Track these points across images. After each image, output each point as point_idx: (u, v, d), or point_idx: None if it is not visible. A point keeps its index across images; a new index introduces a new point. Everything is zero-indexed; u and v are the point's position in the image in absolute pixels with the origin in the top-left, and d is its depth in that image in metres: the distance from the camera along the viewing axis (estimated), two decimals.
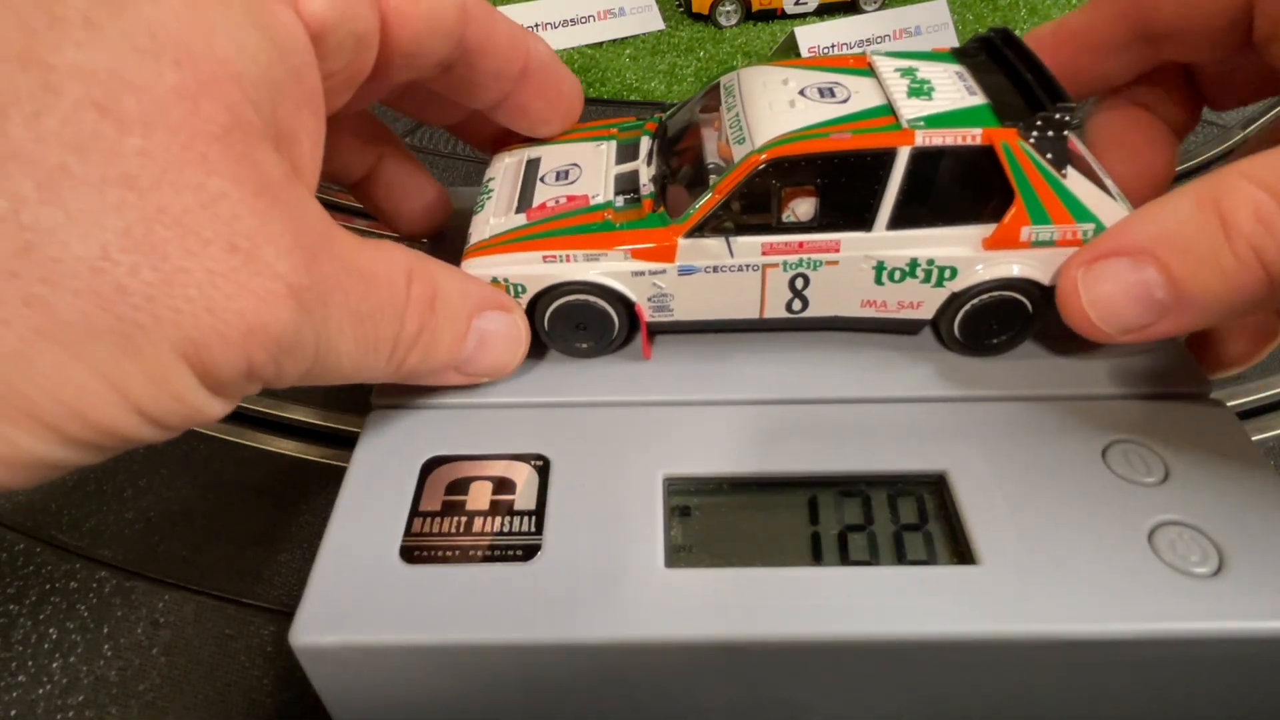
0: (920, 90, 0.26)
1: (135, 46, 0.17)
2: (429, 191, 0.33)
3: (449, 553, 0.23)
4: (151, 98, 0.17)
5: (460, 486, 0.25)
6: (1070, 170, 0.26)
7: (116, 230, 0.16)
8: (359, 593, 0.22)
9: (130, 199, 0.16)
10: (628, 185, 0.29)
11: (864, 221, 0.26)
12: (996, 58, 0.28)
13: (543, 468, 0.25)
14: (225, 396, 0.20)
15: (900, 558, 0.23)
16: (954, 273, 0.27)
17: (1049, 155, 0.25)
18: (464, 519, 0.24)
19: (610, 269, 0.27)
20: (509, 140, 0.32)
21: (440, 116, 0.32)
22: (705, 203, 0.26)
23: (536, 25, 0.74)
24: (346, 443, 0.35)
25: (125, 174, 0.16)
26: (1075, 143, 0.27)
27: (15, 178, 0.15)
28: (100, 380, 0.17)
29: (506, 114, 0.30)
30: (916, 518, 0.24)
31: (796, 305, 0.28)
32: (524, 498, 0.24)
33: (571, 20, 0.75)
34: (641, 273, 0.27)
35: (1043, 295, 0.27)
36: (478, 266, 0.27)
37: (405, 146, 0.33)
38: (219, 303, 0.18)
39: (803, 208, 0.26)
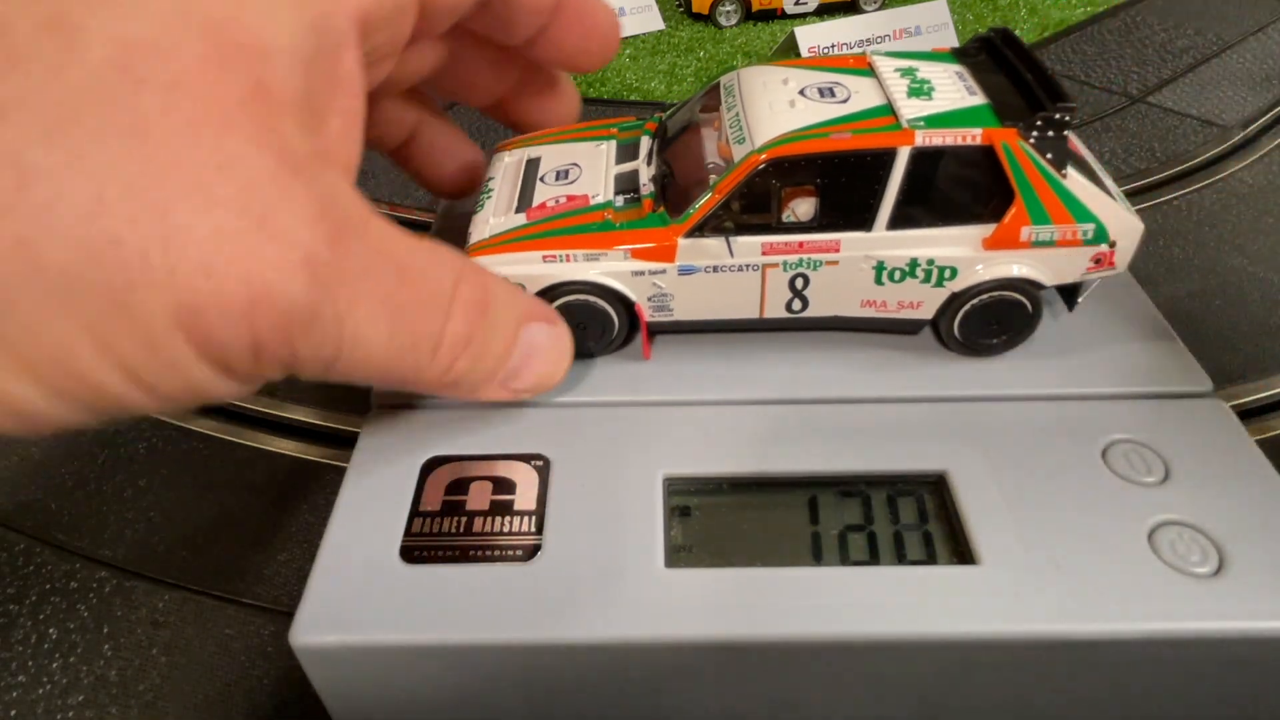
0: (920, 90, 0.26)
1: (163, 16, 0.17)
2: (467, 153, 0.33)
3: (449, 553, 0.23)
4: (175, 63, 0.17)
5: (460, 486, 0.25)
6: (1070, 170, 0.25)
7: (119, 179, 0.16)
8: (359, 593, 0.22)
9: (138, 151, 0.16)
10: (628, 185, 0.29)
11: (864, 221, 0.26)
12: (996, 58, 0.28)
13: (543, 468, 0.25)
14: (236, 378, 0.19)
15: (900, 558, 0.23)
16: (954, 273, 0.26)
17: (1049, 155, 0.25)
18: (464, 519, 0.24)
19: (610, 269, 0.27)
20: (542, 122, 0.32)
21: (477, 96, 0.32)
22: (705, 202, 0.26)
23: None
24: (346, 443, 0.35)
25: (137, 127, 0.16)
26: (1075, 143, 0.27)
27: (25, 120, 0.15)
28: (87, 335, 0.16)
29: (543, 50, 0.29)
30: (916, 518, 0.24)
31: (796, 305, 0.28)
32: (524, 498, 0.24)
33: None
34: (641, 272, 0.27)
35: (1043, 295, 0.27)
36: None
37: (441, 109, 0.33)
38: (220, 266, 0.16)
39: (803, 208, 0.26)
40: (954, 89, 0.26)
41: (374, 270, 0.20)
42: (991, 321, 0.27)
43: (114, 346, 0.16)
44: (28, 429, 0.17)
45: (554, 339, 0.25)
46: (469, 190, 0.33)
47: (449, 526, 0.24)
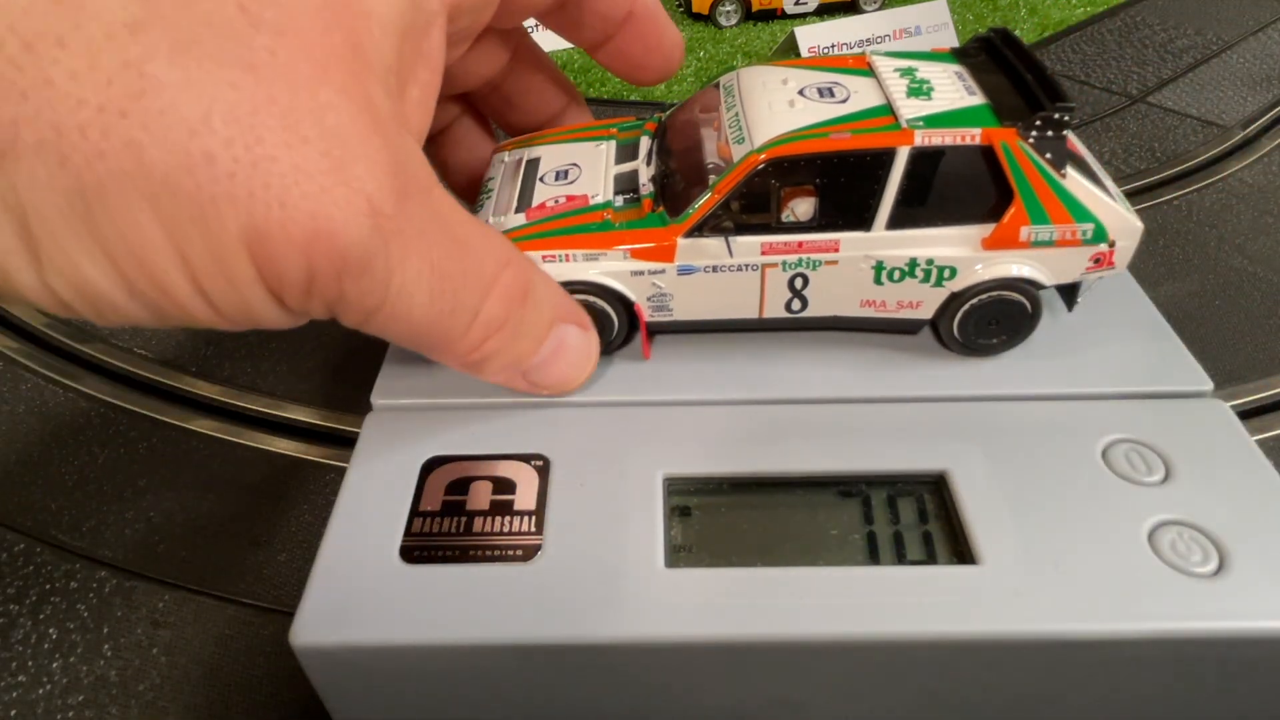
0: (920, 90, 0.26)
1: None
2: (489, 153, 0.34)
3: (449, 553, 0.23)
4: (290, 13, 0.18)
5: (460, 486, 0.25)
6: (1069, 170, 0.25)
7: (225, 102, 0.17)
8: (359, 593, 0.22)
9: (246, 82, 0.18)
10: (627, 185, 0.29)
11: (863, 221, 0.26)
12: (996, 58, 0.28)
13: (543, 468, 0.25)
14: (287, 307, 0.20)
15: (900, 558, 0.23)
16: (953, 272, 0.26)
17: (1048, 155, 0.25)
18: (464, 519, 0.24)
19: (609, 269, 0.27)
20: None
21: (521, 116, 0.34)
22: (704, 202, 0.26)
23: (537, 25, 0.73)
24: (346, 443, 0.35)
25: (249, 61, 0.18)
26: (1075, 143, 0.27)
27: (155, 38, 0.17)
28: (166, 237, 0.18)
29: (607, 56, 0.31)
30: (916, 518, 0.24)
31: (796, 305, 0.28)
32: (524, 498, 0.24)
33: None
34: (641, 272, 0.27)
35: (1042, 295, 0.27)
36: None
37: (480, 115, 0.34)
38: (294, 199, 0.18)
39: (802, 207, 0.26)
40: (953, 89, 0.27)
41: (430, 233, 0.21)
42: (991, 321, 0.27)
43: (188, 254, 0.18)
44: (93, 315, 0.19)
45: (584, 342, 0.27)
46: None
47: (449, 526, 0.24)
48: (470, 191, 0.34)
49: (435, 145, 0.34)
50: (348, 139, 0.19)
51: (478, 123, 0.34)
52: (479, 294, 0.23)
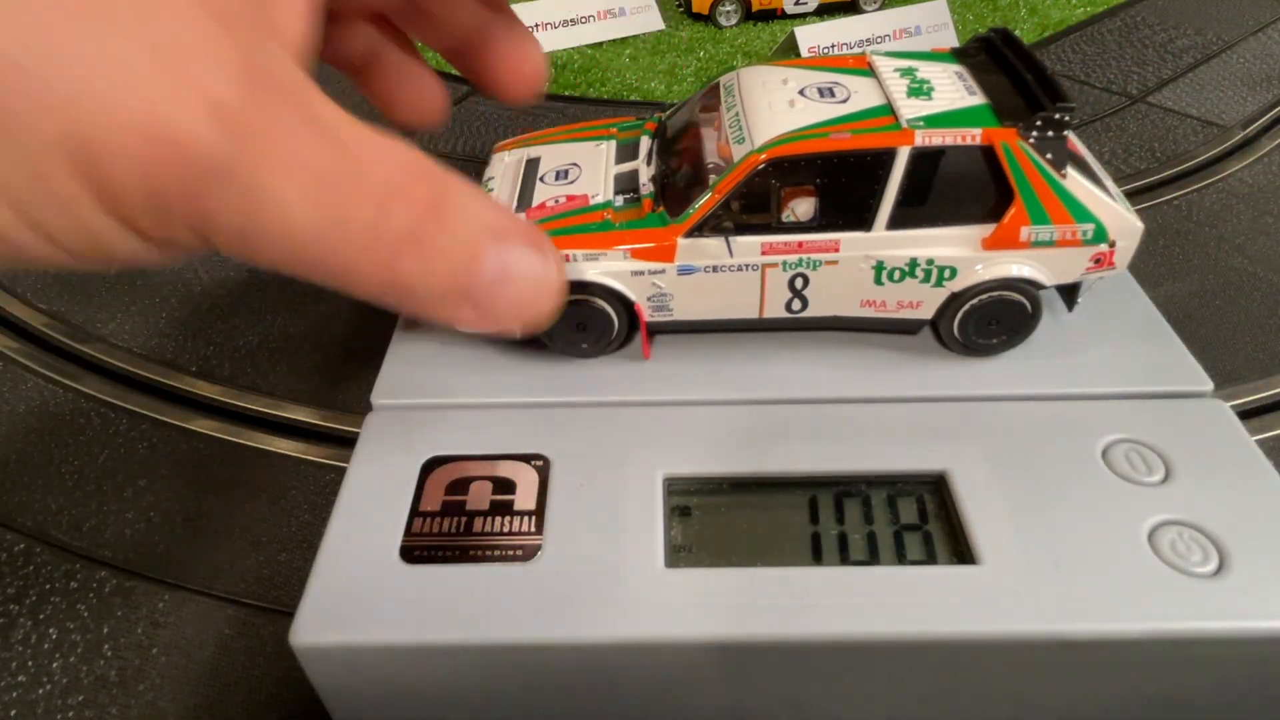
0: (920, 90, 0.26)
1: None
2: (428, 84, 0.31)
3: (449, 553, 0.23)
4: None
5: (460, 486, 0.25)
6: (1070, 170, 0.26)
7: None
8: (359, 593, 0.22)
9: None
10: (627, 185, 0.29)
11: (863, 221, 0.26)
12: (996, 58, 0.28)
13: (543, 468, 0.25)
14: (144, 235, 0.17)
15: (900, 558, 0.23)
16: (953, 272, 0.26)
17: (1049, 155, 0.25)
18: (464, 519, 0.24)
19: (610, 269, 0.27)
20: (505, 81, 0.31)
21: (436, 32, 0.30)
22: (705, 202, 0.26)
23: (536, 25, 0.73)
24: (346, 443, 0.35)
25: None
26: (1075, 143, 0.27)
27: None
28: None
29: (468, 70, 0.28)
30: (916, 518, 0.24)
31: (796, 305, 0.28)
32: (524, 498, 0.24)
33: (571, 20, 0.74)
34: (641, 272, 0.27)
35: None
36: None
37: (409, 41, 0.31)
38: (117, 99, 0.16)
39: (802, 207, 0.26)
40: (954, 89, 0.27)
41: (301, 134, 0.18)
42: (991, 321, 0.27)
43: (2, 178, 0.16)
44: None
45: (539, 267, 0.22)
46: (427, 123, 0.31)
47: (449, 526, 0.24)
48: (427, 127, 0.31)
49: (369, 80, 0.31)
50: (187, 36, 0.16)
51: (409, 52, 0.31)
52: (372, 200, 0.19)
